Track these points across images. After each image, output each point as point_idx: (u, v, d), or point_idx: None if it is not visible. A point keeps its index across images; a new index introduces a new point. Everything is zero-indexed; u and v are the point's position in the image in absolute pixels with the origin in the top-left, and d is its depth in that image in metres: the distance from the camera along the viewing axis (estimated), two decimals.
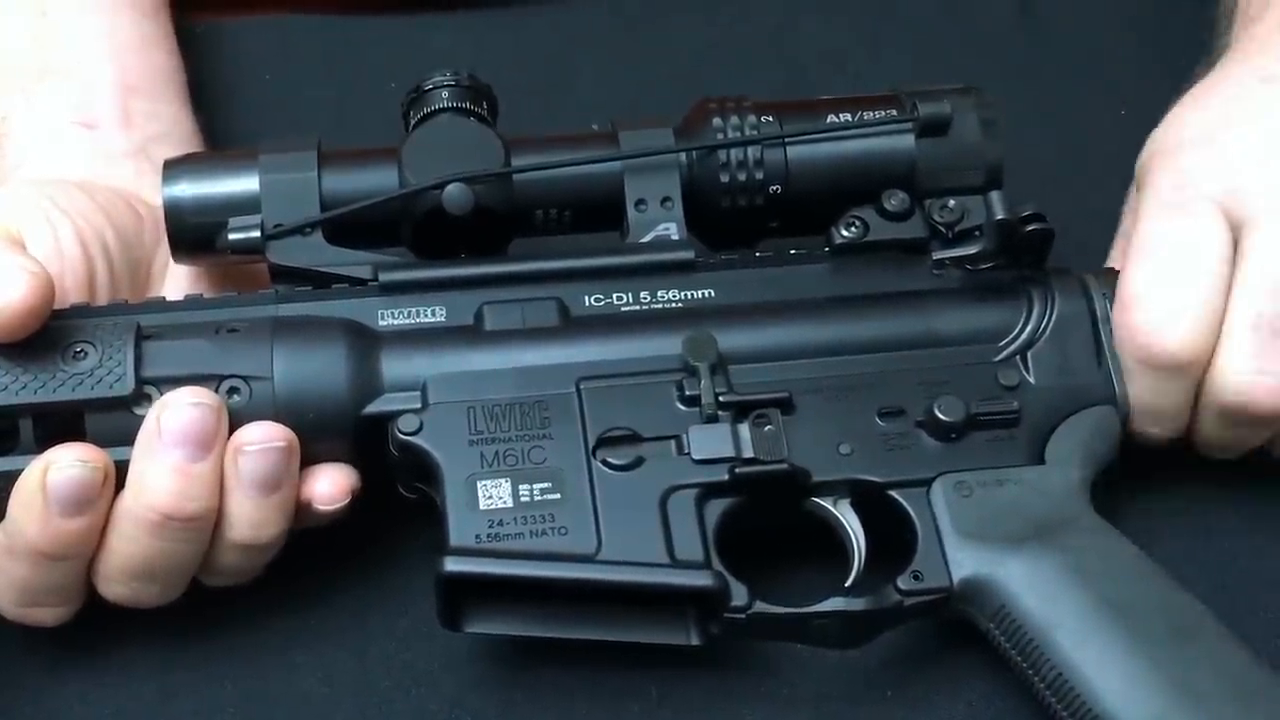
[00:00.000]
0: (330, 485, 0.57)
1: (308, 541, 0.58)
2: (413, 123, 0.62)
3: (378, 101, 0.71)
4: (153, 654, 0.59)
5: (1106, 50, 0.76)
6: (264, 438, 0.55)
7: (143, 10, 0.68)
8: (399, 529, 0.60)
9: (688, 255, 0.60)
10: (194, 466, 0.54)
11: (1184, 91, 0.63)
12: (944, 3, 0.78)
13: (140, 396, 0.55)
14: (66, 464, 0.53)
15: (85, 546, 0.54)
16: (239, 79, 0.72)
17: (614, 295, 0.60)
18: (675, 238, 0.61)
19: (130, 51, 0.66)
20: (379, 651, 0.59)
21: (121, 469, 0.54)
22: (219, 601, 0.59)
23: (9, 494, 0.54)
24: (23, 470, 0.54)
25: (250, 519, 0.55)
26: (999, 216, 0.60)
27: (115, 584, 0.56)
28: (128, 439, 0.55)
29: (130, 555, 0.55)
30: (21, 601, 0.56)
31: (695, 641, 0.55)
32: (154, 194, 0.63)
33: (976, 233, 0.60)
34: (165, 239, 0.61)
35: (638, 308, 0.59)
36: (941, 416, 0.57)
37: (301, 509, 0.57)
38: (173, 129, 0.66)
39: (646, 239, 0.61)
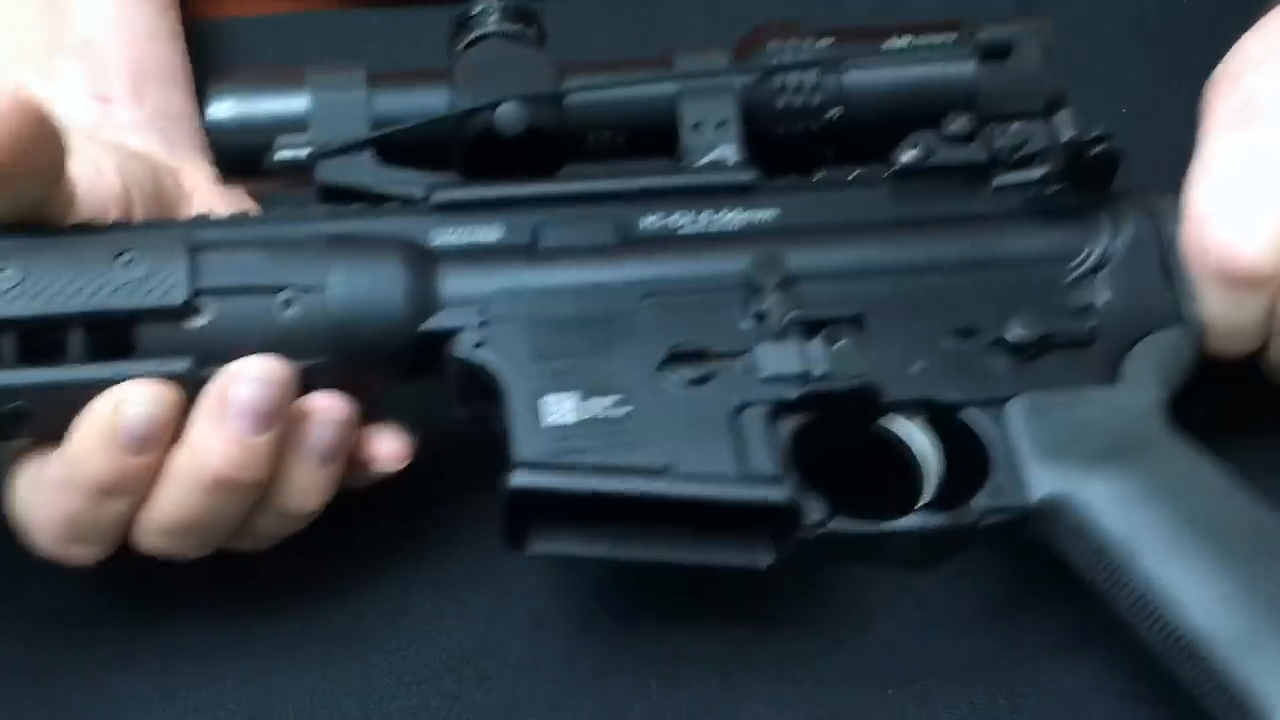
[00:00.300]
0: (392, 446, 0.56)
1: (310, 539, 0.57)
2: (460, 45, 0.60)
3: None
4: (154, 650, 0.58)
5: (1106, 50, 0.75)
6: (332, 408, 0.54)
7: (152, 4, 0.67)
8: (400, 526, 0.59)
9: (749, 177, 0.59)
10: (257, 439, 0.53)
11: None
12: (944, 2, 0.77)
13: (194, 308, 0.53)
14: (140, 400, 0.52)
15: (145, 483, 0.53)
16: None
17: (672, 216, 0.58)
18: (733, 160, 0.60)
19: (141, 39, 0.66)
20: (380, 648, 0.58)
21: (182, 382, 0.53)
22: (222, 597, 0.58)
23: (59, 407, 0.52)
24: (68, 381, 0.52)
25: (304, 486, 0.54)
26: (1065, 137, 0.59)
27: (154, 536, 0.54)
28: (179, 350, 0.53)
29: (176, 510, 0.53)
30: (66, 536, 0.54)
31: (767, 562, 0.54)
32: (166, 160, 0.61)
33: (1040, 157, 0.59)
34: (187, 194, 0.60)
35: (697, 229, 0.58)
36: (1015, 336, 0.56)
37: (358, 469, 0.56)
38: (182, 113, 0.65)
39: (704, 161, 0.60)
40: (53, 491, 0.53)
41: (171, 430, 0.53)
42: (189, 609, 0.57)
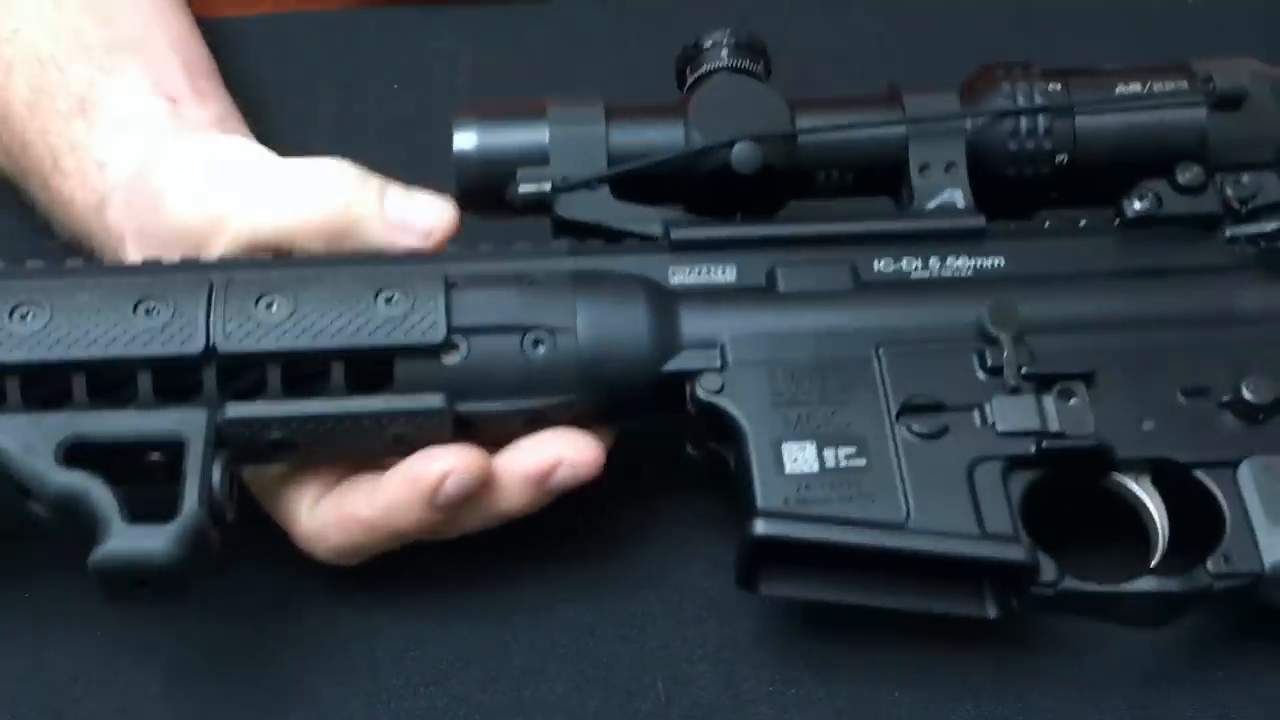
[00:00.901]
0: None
1: None
2: (690, 80, 0.61)
3: (379, 100, 0.72)
4: (161, 650, 0.58)
5: (1106, 50, 0.73)
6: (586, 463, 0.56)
7: (178, 4, 0.68)
8: None
9: (978, 223, 0.59)
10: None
11: None
12: (944, 2, 0.77)
13: (450, 344, 0.54)
14: (463, 472, 0.54)
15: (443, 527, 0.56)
16: (237, 77, 0.70)
17: (904, 261, 0.59)
18: (961, 205, 0.60)
19: (182, 38, 0.67)
20: (387, 649, 0.58)
21: (435, 417, 0.55)
22: (228, 599, 0.59)
23: (320, 437, 0.54)
24: (329, 414, 0.54)
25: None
26: None
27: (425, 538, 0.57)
28: (433, 385, 0.54)
29: (456, 532, 0.56)
30: (353, 557, 0.57)
31: (992, 615, 0.55)
32: None
33: (1273, 209, 0.59)
34: None
35: (928, 274, 0.59)
36: (1250, 397, 0.56)
37: None
38: (233, 110, 0.66)
39: (932, 205, 0.60)
40: (355, 528, 0.55)
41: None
42: (197, 610, 0.58)
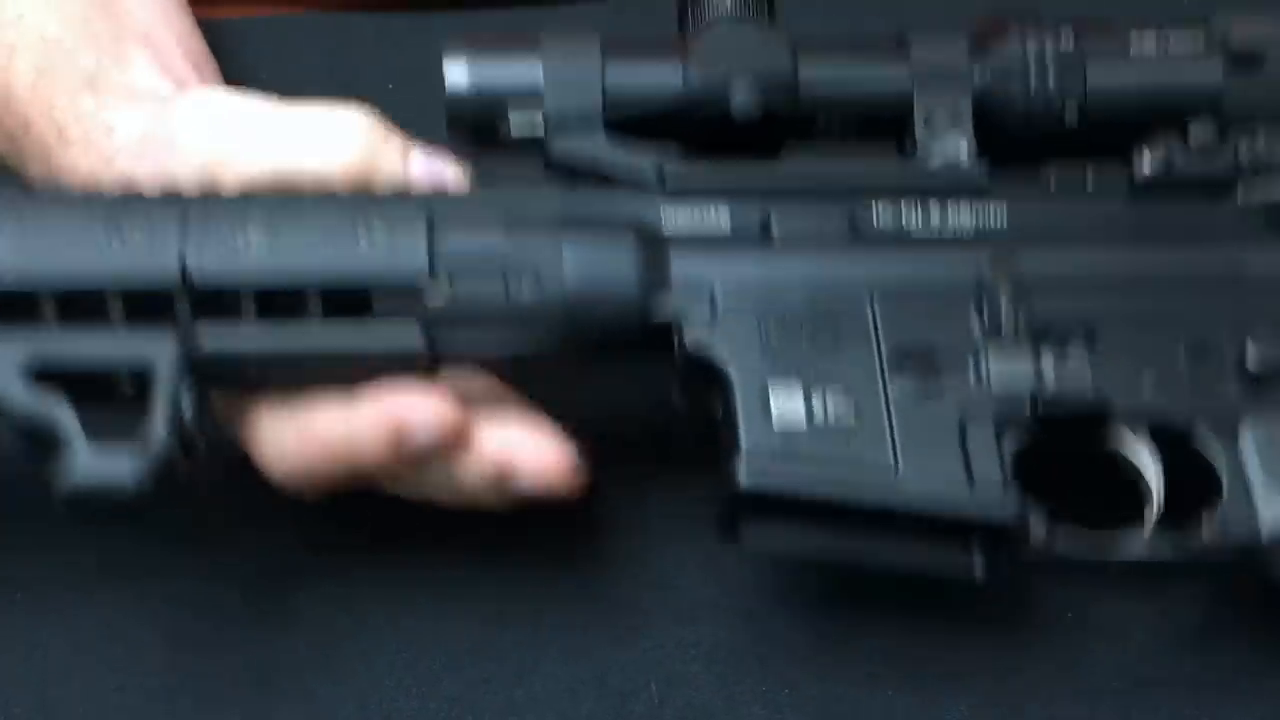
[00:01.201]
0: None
1: (311, 541, 0.58)
2: (692, 20, 0.59)
3: (376, 103, 0.69)
4: (155, 649, 0.58)
5: None
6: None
7: (183, 4, 0.68)
8: (400, 527, 0.59)
9: (982, 174, 0.58)
10: None
11: None
12: (944, 3, 0.75)
13: (430, 283, 0.53)
14: (433, 425, 0.53)
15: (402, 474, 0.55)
16: (236, 78, 0.68)
17: (903, 211, 0.57)
18: (965, 156, 0.58)
19: (186, 34, 0.66)
20: (381, 650, 0.58)
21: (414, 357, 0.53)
22: (222, 600, 0.58)
23: (293, 367, 0.53)
24: (301, 346, 0.53)
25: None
26: None
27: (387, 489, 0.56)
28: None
29: (409, 492, 0.56)
30: (309, 485, 0.55)
31: (981, 575, 0.53)
32: None
33: None
34: None
35: (928, 226, 0.57)
36: (1253, 360, 0.54)
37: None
38: None
39: (936, 157, 0.58)
40: (315, 449, 0.54)
41: None
42: (193, 609, 0.58)
